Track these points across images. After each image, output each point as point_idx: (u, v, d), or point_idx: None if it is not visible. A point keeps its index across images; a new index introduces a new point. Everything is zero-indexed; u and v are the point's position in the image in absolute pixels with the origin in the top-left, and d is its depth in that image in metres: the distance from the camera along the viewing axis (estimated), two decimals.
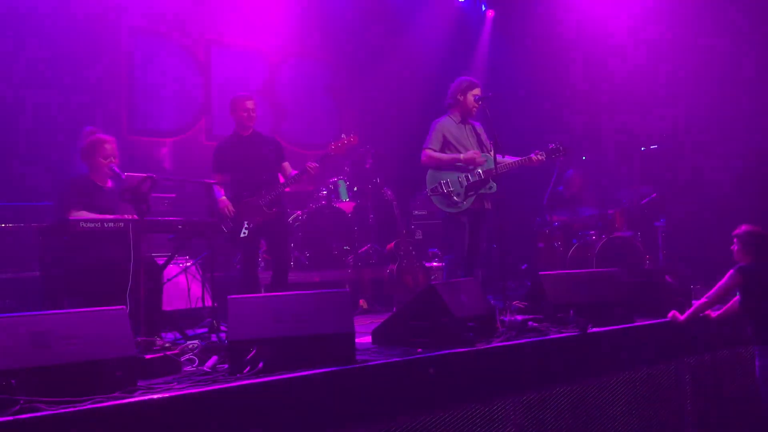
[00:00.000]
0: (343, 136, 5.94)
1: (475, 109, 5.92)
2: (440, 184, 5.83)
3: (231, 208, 5.73)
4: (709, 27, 8.57)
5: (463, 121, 6.00)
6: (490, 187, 5.79)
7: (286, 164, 6.04)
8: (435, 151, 5.89)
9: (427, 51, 10.21)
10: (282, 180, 5.97)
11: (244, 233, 5.73)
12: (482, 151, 5.88)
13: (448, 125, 5.96)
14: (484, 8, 10.84)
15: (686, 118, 8.97)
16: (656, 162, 9.06)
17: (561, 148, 5.77)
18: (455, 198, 5.78)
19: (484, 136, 5.99)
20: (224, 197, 5.73)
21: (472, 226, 5.86)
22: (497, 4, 10.78)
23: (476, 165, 5.78)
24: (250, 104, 5.90)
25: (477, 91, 5.95)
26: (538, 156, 5.75)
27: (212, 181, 5.69)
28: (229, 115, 6.06)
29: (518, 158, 5.78)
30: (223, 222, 5.70)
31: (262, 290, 6.18)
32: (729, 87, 8.51)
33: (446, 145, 5.92)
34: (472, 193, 5.77)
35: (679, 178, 8.92)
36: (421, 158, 5.96)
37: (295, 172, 5.86)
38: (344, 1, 9.70)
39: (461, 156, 5.81)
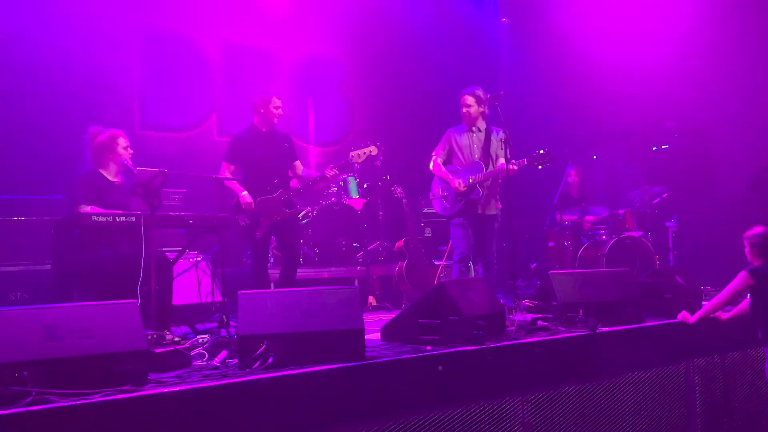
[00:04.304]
0: (370, 147, 5.99)
1: (467, 115, 6.10)
2: (439, 188, 6.24)
3: (253, 204, 5.74)
4: (723, 29, 8.52)
5: (471, 129, 6.17)
6: (476, 194, 5.97)
7: (298, 163, 6.08)
8: (440, 160, 6.25)
9: (440, 51, 10.21)
10: (294, 180, 6.01)
11: (262, 228, 5.73)
12: (486, 158, 6.05)
13: (455, 133, 6.25)
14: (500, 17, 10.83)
15: (699, 117, 8.94)
16: (667, 162, 9.03)
17: (547, 155, 5.80)
18: (445, 202, 6.15)
19: (495, 144, 6.07)
20: (246, 192, 5.73)
21: (475, 229, 6.07)
22: (511, 10, 10.74)
23: (458, 191, 6.01)
24: (278, 102, 5.94)
25: (466, 99, 6.10)
26: (512, 166, 5.76)
27: (223, 176, 5.70)
28: (240, 112, 6.06)
29: (491, 170, 5.98)
30: (241, 217, 5.71)
31: (272, 286, 6.20)
32: (742, 87, 8.47)
33: (452, 153, 6.24)
34: (460, 198, 6.05)
35: (690, 179, 8.88)
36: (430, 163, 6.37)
37: (314, 174, 5.92)
38: (357, 0, 9.70)
39: (452, 180, 6.08)
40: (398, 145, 9.19)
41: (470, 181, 5.96)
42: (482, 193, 5.97)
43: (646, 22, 9.21)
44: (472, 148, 6.12)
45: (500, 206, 6.10)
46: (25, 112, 7.10)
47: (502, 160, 5.86)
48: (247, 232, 5.76)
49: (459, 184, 6.00)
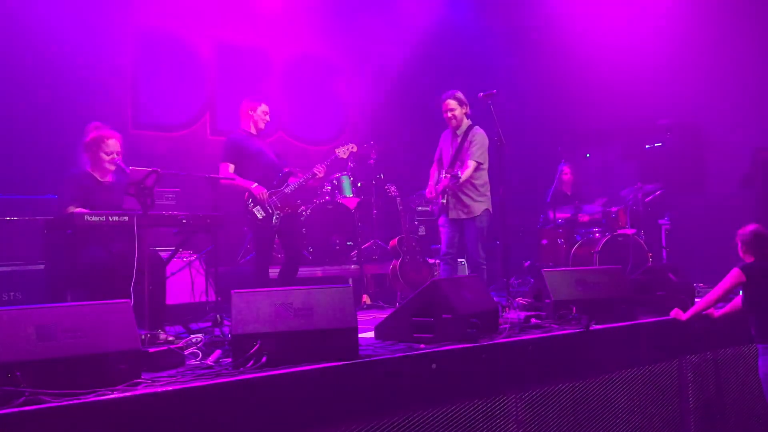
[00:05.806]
0: (350, 145, 6.35)
1: (452, 119, 6.21)
2: None
3: (267, 195, 5.81)
4: (716, 26, 8.55)
5: (454, 133, 6.28)
6: (439, 201, 6.28)
7: None
8: (435, 164, 6.49)
9: (433, 50, 10.20)
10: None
11: (276, 220, 5.79)
12: (454, 164, 6.18)
13: (443, 138, 6.44)
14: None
15: (692, 115, 8.96)
16: (661, 160, 9.04)
17: (456, 176, 5.96)
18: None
19: (465, 152, 6.15)
20: (257, 184, 5.79)
21: (456, 231, 6.28)
22: (504, 8, 10.72)
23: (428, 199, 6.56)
24: (266, 108, 6.11)
25: (448, 104, 6.19)
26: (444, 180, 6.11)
27: (222, 176, 5.73)
28: (233, 111, 6.10)
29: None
30: (258, 210, 5.76)
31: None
32: (735, 84, 8.49)
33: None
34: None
35: (683, 176, 8.90)
36: None
37: (301, 176, 6.00)
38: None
39: (428, 187, 6.46)
40: (392, 143, 9.20)
41: (434, 190, 6.29)
42: (443, 200, 6.18)
43: (639, 20, 9.23)
44: (449, 154, 6.26)
45: (485, 209, 6.15)
46: (16, 111, 7.07)
47: (469, 163, 6.03)
48: (263, 226, 5.81)
49: (429, 193, 6.37)
